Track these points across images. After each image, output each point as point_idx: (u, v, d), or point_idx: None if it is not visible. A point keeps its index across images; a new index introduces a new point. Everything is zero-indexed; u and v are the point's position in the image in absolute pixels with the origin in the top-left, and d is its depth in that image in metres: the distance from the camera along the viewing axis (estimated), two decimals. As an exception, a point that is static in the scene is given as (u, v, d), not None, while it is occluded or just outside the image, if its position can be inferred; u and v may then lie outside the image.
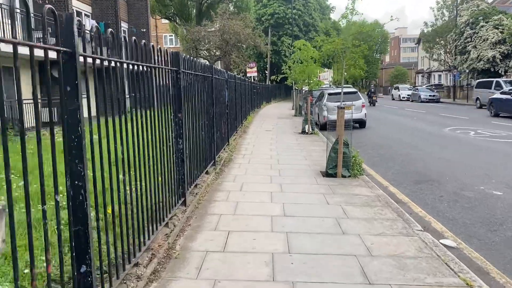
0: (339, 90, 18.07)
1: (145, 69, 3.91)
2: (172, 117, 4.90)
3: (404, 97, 43.92)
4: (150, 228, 3.98)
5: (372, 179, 7.68)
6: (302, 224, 4.90)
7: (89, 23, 19.78)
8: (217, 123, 8.51)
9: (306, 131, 14.41)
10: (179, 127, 5.14)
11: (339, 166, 7.53)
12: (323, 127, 16.40)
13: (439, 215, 5.68)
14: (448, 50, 43.97)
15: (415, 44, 70.39)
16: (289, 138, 13.15)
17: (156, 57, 4.25)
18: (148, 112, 4.05)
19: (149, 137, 4.00)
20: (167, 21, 44.52)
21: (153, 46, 4.11)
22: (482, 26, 33.92)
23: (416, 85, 58.93)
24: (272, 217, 5.12)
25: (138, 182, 3.68)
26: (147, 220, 3.94)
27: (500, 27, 32.98)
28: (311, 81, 14.59)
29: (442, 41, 45.18)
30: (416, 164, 9.11)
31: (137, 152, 3.62)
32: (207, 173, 7.22)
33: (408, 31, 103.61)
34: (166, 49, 4.65)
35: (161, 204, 4.37)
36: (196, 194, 5.94)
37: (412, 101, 40.09)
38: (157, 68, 4.33)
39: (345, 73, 7.53)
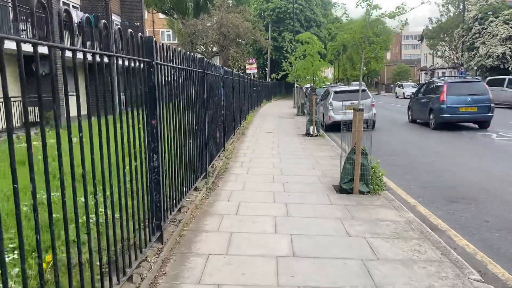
0: (345, 88, 16.77)
1: (89, 58, 2.61)
2: (142, 125, 3.60)
3: (408, 95, 42.45)
4: (101, 291, 2.70)
5: (394, 195, 6.40)
6: (319, 271, 3.60)
7: (76, 16, 18.42)
8: (210, 127, 7.21)
9: (311, 133, 13.12)
10: (153, 138, 3.83)
11: (356, 180, 6.23)
12: (328, 128, 15.13)
13: (493, 251, 4.38)
14: (453, 46, 42.61)
15: (418, 40, 68.84)
16: (293, 142, 11.84)
17: (112, 42, 2.95)
18: (104, 120, 2.78)
19: (105, 154, 2.74)
20: (164, 16, 43.09)
21: (105, 24, 2.81)
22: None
23: (418, 82, 57.54)
24: (277, 259, 3.82)
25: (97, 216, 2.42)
26: (97, 277, 2.67)
27: (510, 22, 31.62)
28: (316, 78, 13.27)
29: (447, 38, 43.83)
30: (443, 175, 7.81)
31: (85, 175, 2.37)
32: (196, 189, 5.92)
33: (409, 28, 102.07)
34: (131, 32, 3.34)
35: (123, 246, 3.08)
36: (179, 221, 4.64)
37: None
38: (115, 58, 3.04)
39: (364, 68, 6.20)
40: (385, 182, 6.72)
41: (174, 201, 4.68)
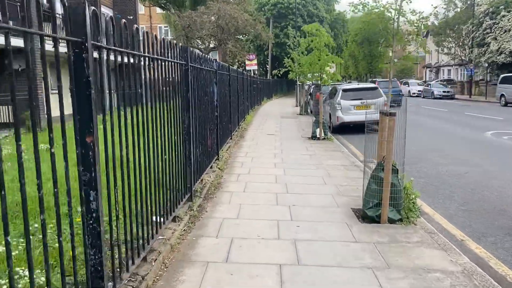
0: (355, 86, 15.30)
1: None
2: (63, 147, 2.18)
3: (414, 93, 41.10)
4: None
5: (433, 223, 5.01)
6: None
7: (60, 7, 16.93)
8: (198, 135, 5.77)
9: (318, 136, 11.67)
10: (87, 166, 2.40)
11: (384, 205, 4.80)
12: (336, 130, 13.71)
13: None
14: (461, 43, 41.01)
15: (423, 37, 67.10)
16: (298, 147, 10.39)
17: None
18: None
19: None
20: (162, 11, 41.50)
21: None
22: (504, 16, 30.99)
23: (423, 80, 56.03)
24: None
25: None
26: None
27: (524, 16, 30.08)
28: (324, 75, 11.79)
29: (454, 34, 42.22)
30: (484, 192, 6.37)
31: None
32: (175, 219, 4.48)
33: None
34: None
35: None
36: (143, 278, 3.20)
37: (424, 97, 37.31)
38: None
39: (395, 60, 4.73)
40: (419, 205, 5.27)
41: (138, 244, 3.26)
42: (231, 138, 10.64)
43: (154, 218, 3.77)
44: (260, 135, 12.62)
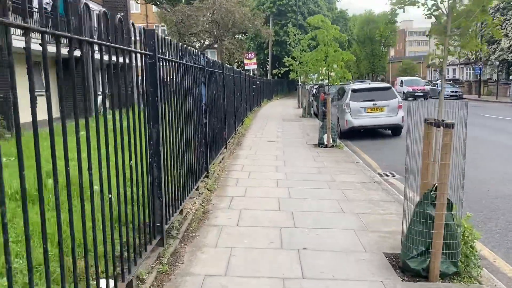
0: (365, 86, 13.80)
1: None
2: None
3: (420, 93, 39.61)
4: None
5: (500, 277, 3.55)
6: None
7: None
8: (175, 152, 4.32)
9: (325, 143, 10.22)
10: None
11: (435, 256, 3.35)
12: (344, 135, 12.24)
13: None
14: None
15: (426, 36, 65.66)
16: (303, 157, 8.92)
17: None
18: None
19: None
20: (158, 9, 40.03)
21: None
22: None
23: (428, 80, 54.60)
24: None
25: None
26: None
27: (537, 12, 28.63)
28: (333, 72, 10.35)
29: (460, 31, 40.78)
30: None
31: None
32: (131, 285, 3.02)
33: (414, 24, 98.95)
34: None
35: None
36: None
37: (430, 97, 35.82)
38: None
39: (449, 48, 3.25)
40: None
41: None
42: (225, 147, 9.19)
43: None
44: (259, 141, 11.16)
